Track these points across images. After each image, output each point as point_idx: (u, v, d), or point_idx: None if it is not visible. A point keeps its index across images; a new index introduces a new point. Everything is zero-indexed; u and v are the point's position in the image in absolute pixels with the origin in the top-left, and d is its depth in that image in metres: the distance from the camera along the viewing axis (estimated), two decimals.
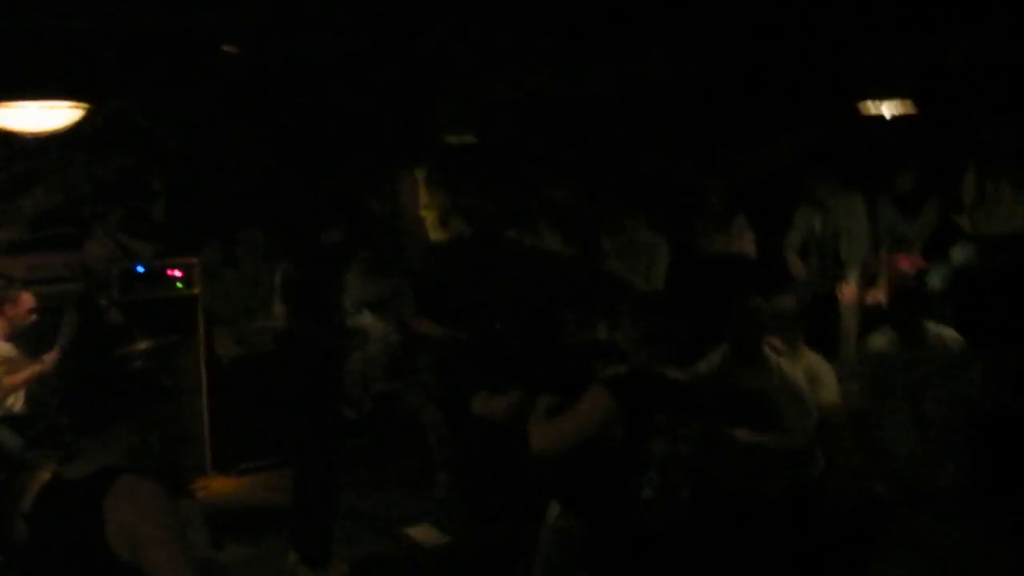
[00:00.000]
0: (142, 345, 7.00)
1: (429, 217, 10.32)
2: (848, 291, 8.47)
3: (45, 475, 3.65)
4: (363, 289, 8.12)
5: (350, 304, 7.81)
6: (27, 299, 7.22)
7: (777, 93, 8.76)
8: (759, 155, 9.61)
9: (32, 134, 7.01)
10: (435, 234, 10.33)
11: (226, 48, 7.75)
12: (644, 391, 4.10)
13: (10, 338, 7.10)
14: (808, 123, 9.31)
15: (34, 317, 7.21)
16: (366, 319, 8.09)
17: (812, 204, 8.69)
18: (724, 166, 9.46)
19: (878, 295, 8.36)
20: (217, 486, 8.31)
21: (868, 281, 8.50)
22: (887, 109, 8.36)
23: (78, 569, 3.15)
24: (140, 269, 8.38)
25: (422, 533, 7.01)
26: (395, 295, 8.36)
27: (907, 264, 8.34)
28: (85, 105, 6.85)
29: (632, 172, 9.60)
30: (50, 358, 7.03)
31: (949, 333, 6.39)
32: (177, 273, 8.41)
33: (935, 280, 8.17)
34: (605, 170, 9.68)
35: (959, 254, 8.25)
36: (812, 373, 5.98)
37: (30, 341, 7.32)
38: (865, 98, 8.36)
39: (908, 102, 8.36)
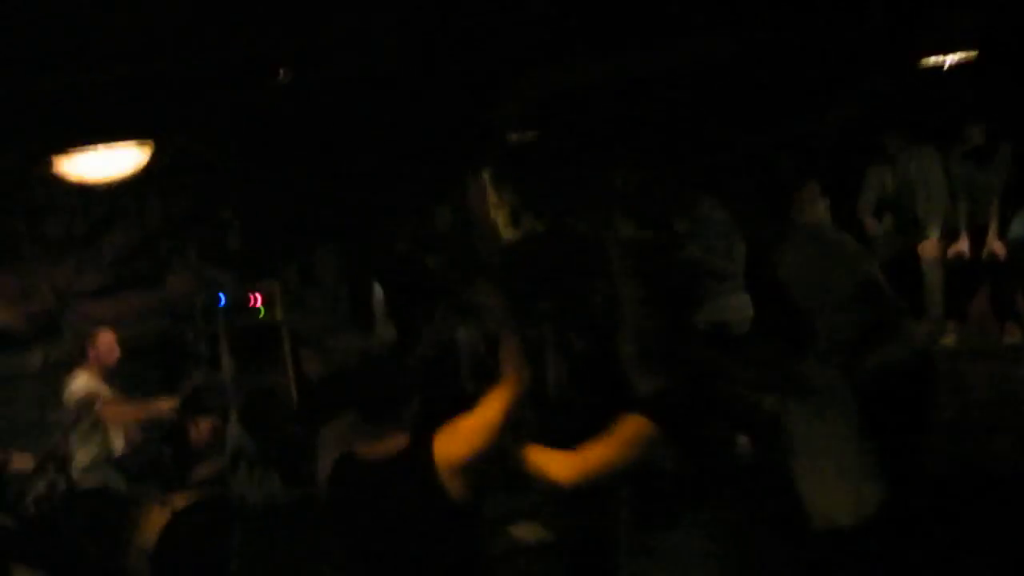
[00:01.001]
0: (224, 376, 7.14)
1: (500, 217, 10.32)
2: (930, 247, 8.34)
3: (158, 510, 3.72)
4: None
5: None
6: (107, 339, 7.36)
7: (836, 52, 8.64)
8: (824, 119, 9.49)
9: (103, 179, 7.15)
10: (507, 233, 10.33)
11: (282, 73, 7.82)
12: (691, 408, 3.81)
13: (103, 378, 7.27)
14: (869, 81, 9.18)
15: (117, 354, 7.35)
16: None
17: (883, 163, 8.57)
18: (790, 134, 9.36)
19: (960, 249, 8.22)
20: None
21: (949, 236, 8.36)
22: (947, 59, 8.22)
23: None
24: (222, 299, 8.48)
25: (525, 531, 6.99)
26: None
27: None
28: (150, 143, 6.96)
29: (699, 151, 9.53)
30: (167, 405, 7.17)
31: None
32: (259, 298, 8.50)
33: (1019, 229, 8.01)
34: (671, 151, 9.62)
35: None
36: None
37: (124, 381, 7.48)
38: (926, 54, 8.22)
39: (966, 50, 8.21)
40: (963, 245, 8.22)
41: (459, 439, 3.68)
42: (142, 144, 6.91)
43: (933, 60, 8.23)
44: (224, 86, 7.63)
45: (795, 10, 7.97)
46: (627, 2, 7.72)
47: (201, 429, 7.04)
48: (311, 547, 4.35)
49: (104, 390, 7.18)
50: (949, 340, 8.19)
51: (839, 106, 9.52)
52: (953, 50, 8.12)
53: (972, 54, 8.19)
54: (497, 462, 3.79)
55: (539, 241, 10.27)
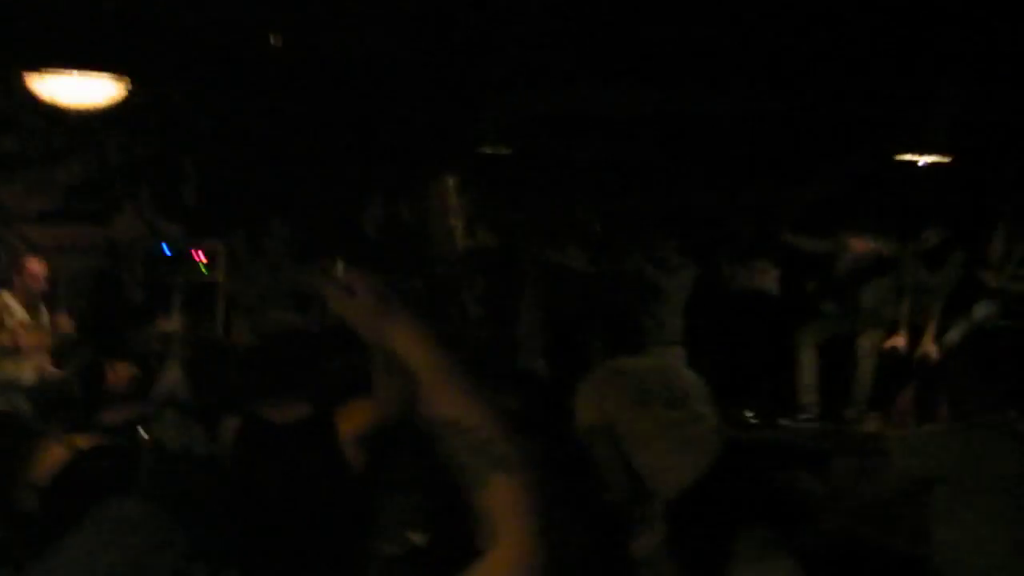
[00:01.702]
0: (162, 326, 7.04)
1: (458, 226, 10.35)
2: (868, 337, 8.45)
3: (57, 447, 3.66)
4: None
5: None
6: (35, 266, 7.23)
7: (815, 134, 8.78)
8: (792, 192, 9.60)
9: (72, 105, 7.05)
10: (461, 241, 10.35)
11: (273, 40, 7.80)
12: None
13: (27, 305, 7.14)
14: (842, 166, 9.31)
15: (44, 284, 7.22)
16: None
17: (843, 251, 8.68)
18: (756, 201, 9.47)
19: (897, 344, 8.34)
20: None
21: (888, 330, 8.47)
22: (921, 158, 8.37)
23: None
24: (166, 250, 8.42)
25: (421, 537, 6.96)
26: (414, 298, 8.37)
27: None
28: (127, 80, 6.89)
29: (665, 199, 9.62)
30: (64, 322, 7.06)
31: None
32: (202, 257, 8.46)
33: (954, 336, 8.15)
34: (638, 194, 9.71)
35: (981, 311, 8.23)
36: None
37: (47, 307, 7.36)
38: (902, 150, 8.37)
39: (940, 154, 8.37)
40: (900, 341, 8.33)
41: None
42: (116, 78, 6.83)
43: (906, 158, 8.39)
44: (212, 39, 7.60)
45: (782, 85, 8.10)
46: (621, 42, 7.80)
47: (119, 372, 6.93)
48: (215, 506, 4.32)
49: (23, 315, 7.06)
50: (868, 429, 8.28)
51: (808, 183, 9.64)
52: (926, 153, 8.28)
53: (943, 159, 8.36)
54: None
55: (490, 255, 10.31)
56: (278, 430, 3.87)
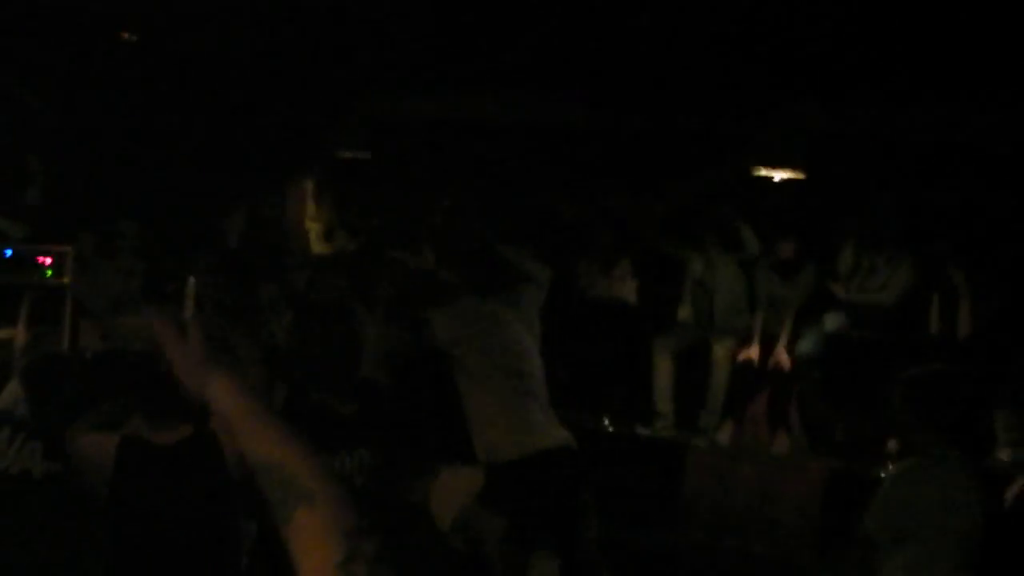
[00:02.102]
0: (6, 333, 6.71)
1: (314, 230, 10.20)
2: (722, 346, 8.62)
3: None
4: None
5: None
6: None
7: (674, 145, 8.92)
8: (651, 202, 9.74)
9: None
10: (318, 247, 10.19)
11: (126, 36, 7.55)
12: None
13: None
14: (700, 177, 9.49)
15: None
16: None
17: (701, 261, 8.85)
18: (615, 209, 9.56)
19: (749, 354, 8.53)
20: None
21: (742, 339, 8.66)
22: (777, 173, 8.58)
23: None
24: (7, 252, 8.05)
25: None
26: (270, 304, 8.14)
27: None
28: None
29: (523, 205, 9.63)
30: None
31: None
32: (47, 260, 8.10)
33: (805, 345, 8.39)
34: (496, 200, 9.70)
35: (830, 321, 8.49)
36: None
37: None
38: (757, 164, 8.56)
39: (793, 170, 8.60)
40: (752, 351, 8.53)
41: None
42: None
43: (761, 172, 8.59)
44: (62, 34, 7.31)
45: (643, 92, 8.20)
46: (479, 51, 7.80)
47: None
48: (58, 523, 4.15)
49: None
50: (723, 438, 8.45)
51: (666, 195, 9.80)
52: (780, 166, 8.49)
53: (796, 173, 8.59)
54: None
55: (348, 260, 10.16)
56: (157, 451, 3.76)
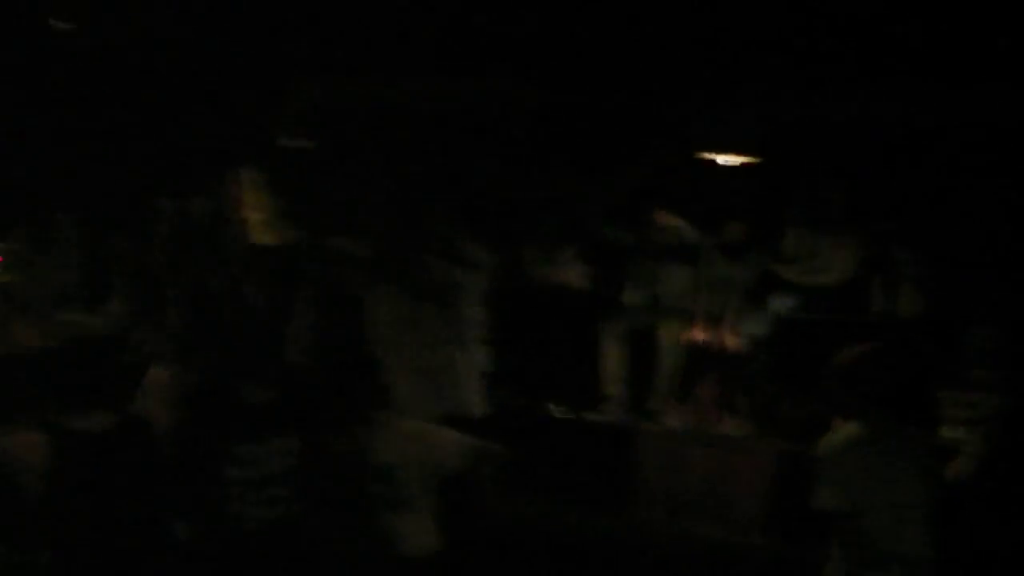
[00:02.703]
0: None
1: (254, 220, 10.00)
2: (670, 329, 8.59)
3: None
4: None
5: None
6: None
7: (620, 128, 8.87)
8: (597, 185, 9.68)
9: None
10: (259, 237, 10.01)
11: (55, 23, 7.38)
12: None
13: None
14: (647, 160, 9.45)
15: None
16: None
17: (644, 242, 8.80)
18: (561, 194, 9.51)
19: (696, 337, 8.52)
20: None
21: (689, 322, 8.64)
22: (722, 156, 8.58)
23: None
24: None
25: None
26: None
27: None
28: None
29: (469, 190, 9.54)
30: None
31: None
32: None
33: (752, 327, 8.40)
34: (440, 185, 9.61)
35: (777, 303, 8.51)
36: None
37: None
38: (703, 147, 8.55)
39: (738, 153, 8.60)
40: (700, 334, 8.51)
41: None
42: None
43: (709, 155, 8.58)
44: None
45: (587, 74, 8.14)
46: (425, 34, 7.71)
47: None
48: None
49: None
50: (672, 421, 8.44)
51: (612, 178, 9.74)
52: (728, 149, 8.49)
53: (743, 156, 8.59)
54: None
55: (290, 251, 10.03)
56: (81, 439, 3.78)
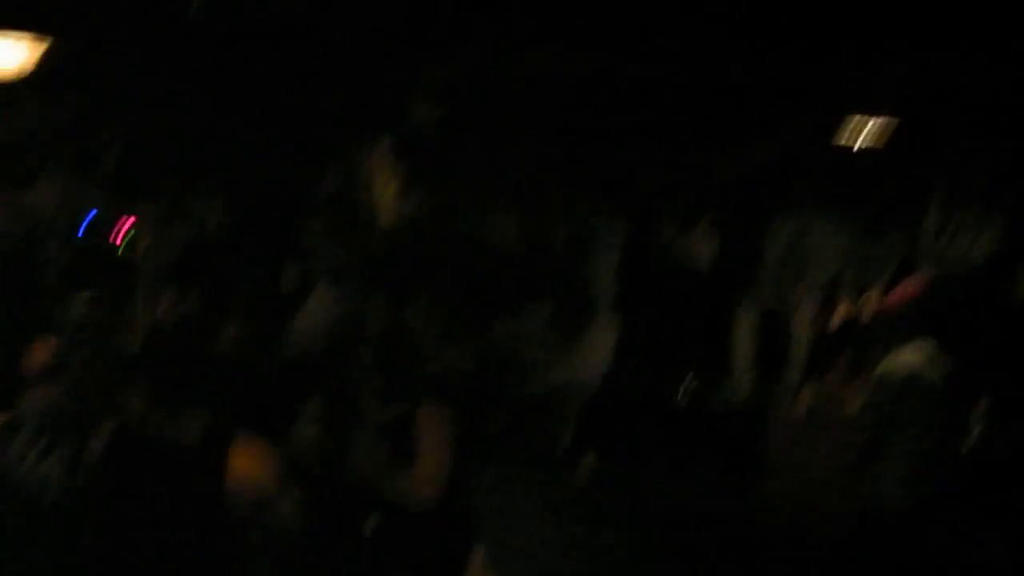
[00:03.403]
0: (86, 295, 6.71)
1: (387, 194, 10.10)
2: (806, 308, 8.42)
3: None
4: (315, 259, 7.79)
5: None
6: None
7: (759, 98, 8.68)
8: (733, 159, 9.52)
9: None
10: (392, 211, 10.11)
11: (195, 4, 7.53)
12: None
13: None
14: (786, 133, 9.24)
15: None
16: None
17: (782, 217, 8.62)
18: (696, 167, 9.38)
19: (835, 316, 8.34)
20: None
21: (826, 304, 8.46)
22: (864, 129, 8.34)
23: None
24: (90, 216, 8.11)
25: None
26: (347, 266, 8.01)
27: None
28: (47, 40, 6.59)
29: (600, 163, 9.47)
30: None
31: None
32: (128, 223, 8.13)
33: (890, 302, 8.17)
34: (569, 159, 9.55)
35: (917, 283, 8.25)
36: None
37: None
38: (846, 114, 8.31)
39: (884, 125, 8.33)
40: (838, 313, 8.33)
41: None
42: (36, 38, 6.53)
43: (853, 127, 8.33)
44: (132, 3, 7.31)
45: (726, 45, 7.98)
46: (565, 4, 7.65)
47: (37, 353, 6.59)
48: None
49: None
50: (803, 401, 8.30)
51: (750, 150, 9.56)
52: (870, 116, 8.23)
53: (890, 128, 8.32)
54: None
55: (422, 223, 10.10)
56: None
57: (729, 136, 9.41)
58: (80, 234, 7.98)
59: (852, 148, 8.74)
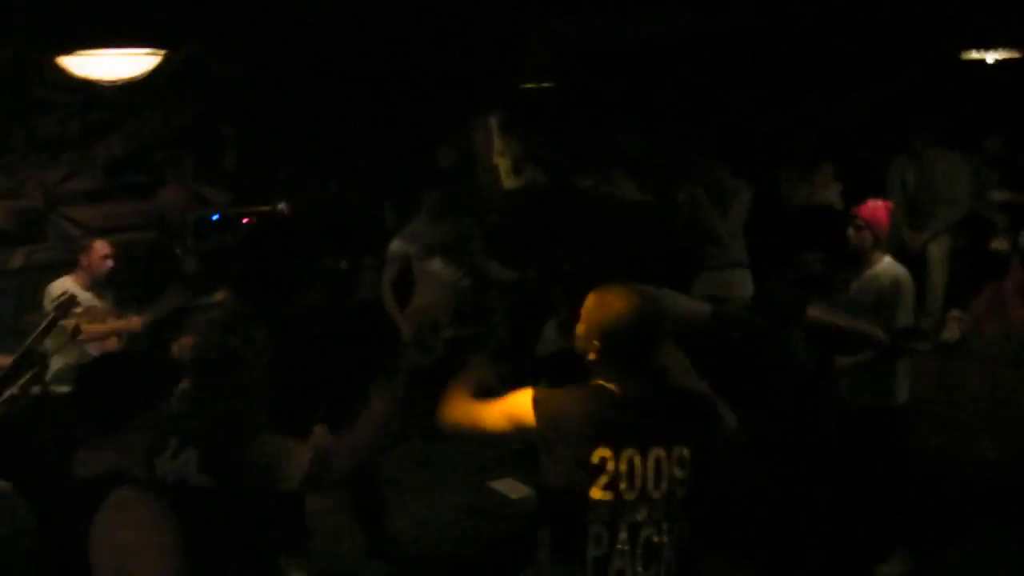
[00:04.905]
0: (219, 296, 6.87)
1: (503, 165, 10.14)
2: (940, 244, 8.21)
3: None
4: (432, 233, 7.82)
5: (419, 248, 7.60)
6: (101, 247, 7.14)
7: (873, 38, 8.44)
8: (850, 103, 9.30)
9: (109, 82, 6.88)
10: (509, 182, 10.14)
11: None
12: None
13: (90, 287, 7.05)
14: (904, 71, 8.98)
15: (110, 264, 7.13)
16: (435, 264, 7.79)
17: (907, 157, 8.38)
18: (813, 113, 9.19)
19: (970, 249, 8.13)
20: None
21: (955, 235, 8.24)
22: (989, 56, 8.03)
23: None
24: (215, 217, 8.29)
25: (509, 487, 6.81)
26: (465, 239, 8.02)
27: None
28: (161, 52, 6.71)
29: (716, 118, 9.34)
30: (138, 322, 6.93)
31: None
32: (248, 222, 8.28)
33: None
34: (687, 116, 9.43)
35: None
36: None
37: (111, 290, 7.28)
38: (967, 47, 8.03)
39: (1011, 50, 8.03)
40: (975, 244, 8.12)
41: None
42: (151, 51, 6.66)
43: (974, 58, 8.05)
44: (240, 4, 7.38)
45: None
46: None
47: (184, 348, 6.76)
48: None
49: (89, 298, 6.96)
50: (949, 336, 8.10)
51: (868, 92, 9.33)
52: (993, 47, 7.94)
53: (1012, 55, 8.02)
54: None
55: (540, 192, 10.11)
56: None
57: (844, 78, 9.19)
58: (206, 235, 8.17)
59: (972, 85, 8.44)
